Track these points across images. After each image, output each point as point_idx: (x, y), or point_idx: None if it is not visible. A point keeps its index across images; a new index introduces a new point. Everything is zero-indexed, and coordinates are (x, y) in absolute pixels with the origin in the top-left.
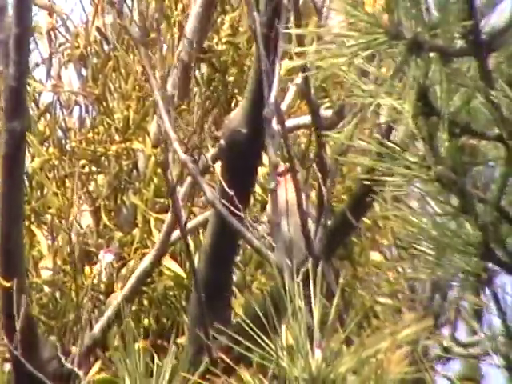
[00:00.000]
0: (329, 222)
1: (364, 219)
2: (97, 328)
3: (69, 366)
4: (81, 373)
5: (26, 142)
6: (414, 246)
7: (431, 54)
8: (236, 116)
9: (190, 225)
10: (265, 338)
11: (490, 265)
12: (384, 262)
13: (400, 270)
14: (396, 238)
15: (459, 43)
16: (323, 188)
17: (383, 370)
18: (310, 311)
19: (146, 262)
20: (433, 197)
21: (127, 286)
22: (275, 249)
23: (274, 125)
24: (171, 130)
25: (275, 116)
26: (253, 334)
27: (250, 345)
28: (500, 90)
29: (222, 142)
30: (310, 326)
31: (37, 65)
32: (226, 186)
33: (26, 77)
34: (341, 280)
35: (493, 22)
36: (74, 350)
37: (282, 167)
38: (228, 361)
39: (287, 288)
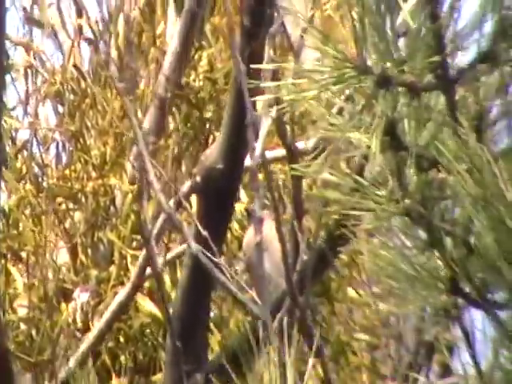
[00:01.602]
0: (305, 259)
1: (341, 255)
2: (72, 362)
3: None
4: None
5: (3, 179)
6: (384, 280)
7: (399, 89)
8: (212, 152)
9: (167, 258)
10: None
11: (460, 300)
12: (360, 298)
13: (375, 305)
14: (369, 274)
15: (428, 78)
16: (297, 225)
17: None
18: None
19: (121, 296)
20: (402, 231)
21: (102, 319)
22: (259, 300)
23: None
24: (149, 167)
25: (261, 166)
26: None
27: None
28: (468, 125)
29: (197, 178)
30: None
31: (14, 108)
32: (200, 227)
33: (1, 110)
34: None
35: (461, 56)
36: None
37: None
38: None
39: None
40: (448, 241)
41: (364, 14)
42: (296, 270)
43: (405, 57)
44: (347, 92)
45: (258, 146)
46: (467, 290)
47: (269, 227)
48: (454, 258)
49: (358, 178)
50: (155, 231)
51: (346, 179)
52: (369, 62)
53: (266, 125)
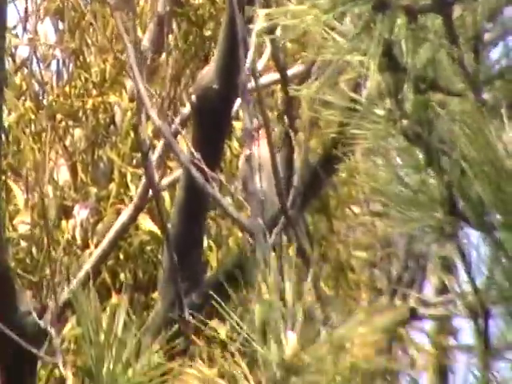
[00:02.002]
0: (299, 175)
1: (339, 173)
2: (75, 282)
3: (41, 324)
4: (53, 331)
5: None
6: (380, 200)
7: (397, 11)
8: (208, 72)
9: (166, 180)
10: (235, 318)
11: (454, 218)
12: (359, 215)
13: (373, 224)
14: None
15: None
16: (294, 144)
17: (358, 357)
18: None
19: (123, 217)
20: (399, 151)
21: (105, 240)
22: (250, 214)
23: (249, 86)
24: (145, 93)
25: (251, 81)
26: (223, 312)
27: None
28: (463, 45)
29: (193, 98)
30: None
31: (14, 26)
32: (192, 148)
33: (3, 24)
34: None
35: None
36: (51, 305)
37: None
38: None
39: (260, 262)
40: (445, 161)
41: None
42: (290, 186)
43: None
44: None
45: (248, 59)
46: (463, 208)
47: (265, 147)
48: (451, 180)
49: (356, 97)
50: (155, 153)
51: (343, 99)
52: None
53: (255, 40)
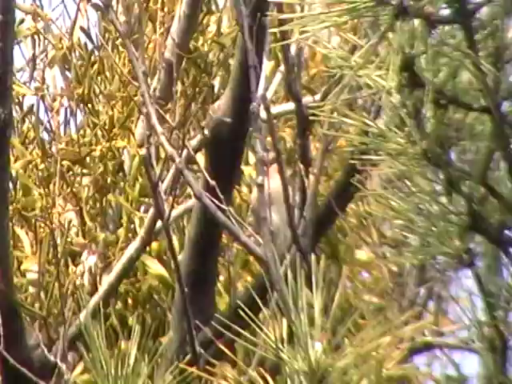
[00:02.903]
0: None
1: (349, 219)
2: (83, 316)
3: (51, 358)
4: (64, 366)
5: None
6: (395, 230)
7: (417, 22)
8: (220, 106)
9: (175, 212)
10: (264, 328)
11: (472, 246)
12: (370, 259)
13: (384, 266)
14: (379, 232)
15: (446, 12)
16: (305, 178)
17: (383, 366)
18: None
19: (130, 251)
20: (419, 173)
21: (112, 273)
22: (262, 241)
23: (261, 118)
24: (157, 122)
25: (262, 110)
26: (251, 322)
27: (236, 337)
28: (485, 59)
29: (206, 131)
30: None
31: (20, 70)
32: (208, 177)
33: (11, 63)
34: (329, 273)
35: None
36: (60, 337)
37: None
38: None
39: (289, 278)
40: (466, 182)
41: None
42: (302, 218)
43: None
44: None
45: (260, 88)
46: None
47: (276, 181)
48: (472, 199)
49: (374, 121)
50: (165, 185)
51: (361, 123)
52: None
53: (267, 67)
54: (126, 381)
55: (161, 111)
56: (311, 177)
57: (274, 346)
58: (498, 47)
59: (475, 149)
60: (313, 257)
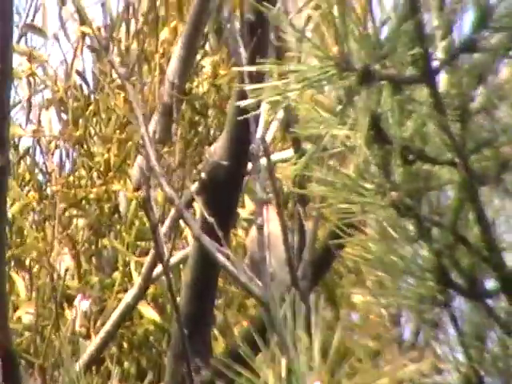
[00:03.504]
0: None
1: (346, 262)
2: (77, 366)
3: None
4: None
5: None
6: (372, 273)
7: (382, 83)
8: (216, 149)
9: (175, 258)
10: (264, 370)
11: (446, 288)
12: (366, 302)
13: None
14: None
15: (410, 71)
16: (303, 220)
17: None
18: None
19: (128, 298)
20: (389, 223)
21: (109, 321)
22: (261, 283)
23: (260, 160)
24: (157, 164)
25: (262, 152)
26: (250, 363)
27: (236, 377)
28: (451, 115)
29: (202, 175)
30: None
31: (15, 105)
32: (206, 215)
33: (7, 113)
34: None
35: (443, 47)
36: None
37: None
38: None
39: (286, 318)
40: (436, 232)
41: (344, 10)
42: (301, 262)
43: (386, 50)
44: (331, 90)
45: (259, 131)
46: (456, 280)
47: (274, 224)
48: (442, 249)
49: (344, 171)
50: (164, 228)
51: (332, 174)
52: (351, 59)
53: (265, 111)
54: None
55: (160, 152)
56: (310, 218)
57: None
58: (462, 101)
59: (444, 199)
60: (312, 297)
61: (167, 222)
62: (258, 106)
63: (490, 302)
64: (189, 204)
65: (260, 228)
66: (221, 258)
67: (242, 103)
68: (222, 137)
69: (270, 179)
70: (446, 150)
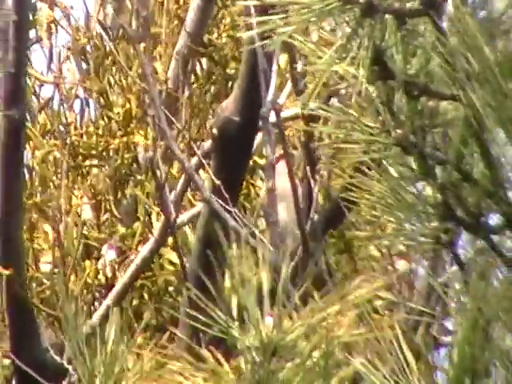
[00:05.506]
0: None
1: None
2: (95, 317)
3: (60, 360)
4: (71, 368)
5: (27, 135)
6: (373, 213)
7: (386, 18)
8: (228, 105)
9: (187, 215)
10: (216, 310)
11: (450, 226)
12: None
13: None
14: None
15: (413, 4)
16: (312, 179)
17: (334, 335)
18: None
19: (144, 251)
20: (393, 161)
21: (126, 274)
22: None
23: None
24: (165, 125)
25: (272, 115)
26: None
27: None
28: (454, 48)
29: (214, 130)
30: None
31: (33, 43)
32: (213, 177)
33: (24, 63)
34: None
35: None
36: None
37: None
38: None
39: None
40: (440, 169)
41: None
42: (310, 217)
43: None
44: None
45: (270, 92)
46: (459, 214)
47: (285, 179)
48: (447, 186)
49: (348, 110)
50: (177, 189)
51: (336, 112)
52: None
53: (275, 72)
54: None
55: (170, 116)
56: (318, 178)
57: (225, 325)
58: (466, 33)
59: (449, 135)
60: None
61: (180, 184)
62: (269, 63)
63: (494, 237)
64: (204, 158)
65: (270, 191)
66: (230, 219)
67: (247, 34)
68: (233, 93)
69: (280, 139)
70: (451, 85)
